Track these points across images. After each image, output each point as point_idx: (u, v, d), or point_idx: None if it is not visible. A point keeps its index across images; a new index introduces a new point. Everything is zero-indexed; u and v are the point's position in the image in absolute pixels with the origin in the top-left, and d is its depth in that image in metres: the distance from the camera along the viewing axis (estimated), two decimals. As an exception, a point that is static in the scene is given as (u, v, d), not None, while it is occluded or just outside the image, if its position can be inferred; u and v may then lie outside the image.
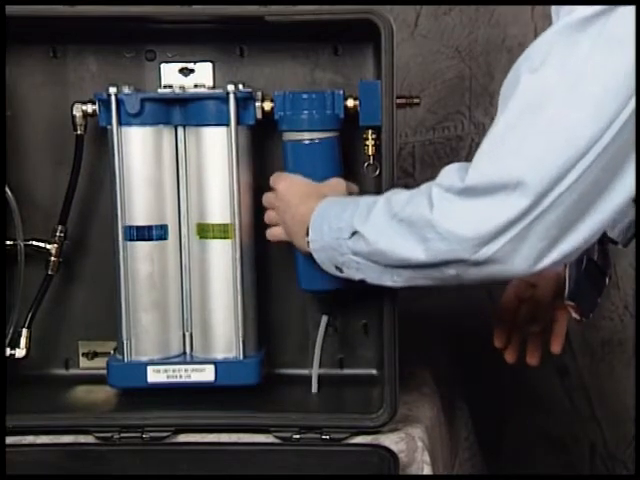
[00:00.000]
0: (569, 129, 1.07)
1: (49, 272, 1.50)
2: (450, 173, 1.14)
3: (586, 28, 1.06)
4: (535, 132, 1.08)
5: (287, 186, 1.40)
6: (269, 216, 1.42)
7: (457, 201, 1.11)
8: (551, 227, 1.09)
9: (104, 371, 1.48)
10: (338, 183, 1.41)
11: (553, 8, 1.13)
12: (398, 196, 1.21)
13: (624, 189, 1.09)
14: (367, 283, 1.26)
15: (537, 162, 1.07)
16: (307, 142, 1.42)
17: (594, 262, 1.41)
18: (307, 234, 1.30)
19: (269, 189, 1.42)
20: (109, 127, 1.42)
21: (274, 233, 1.42)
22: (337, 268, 1.28)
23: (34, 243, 1.50)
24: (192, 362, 1.47)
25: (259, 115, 1.44)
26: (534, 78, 1.08)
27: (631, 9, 1.05)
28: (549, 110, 1.07)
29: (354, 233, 1.23)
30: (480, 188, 1.10)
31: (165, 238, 1.45)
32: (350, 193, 1.41)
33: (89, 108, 1.46)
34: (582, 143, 1.06)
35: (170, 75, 1.47)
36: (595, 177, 1.07)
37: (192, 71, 1.47)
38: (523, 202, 1.07)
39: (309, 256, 1.33)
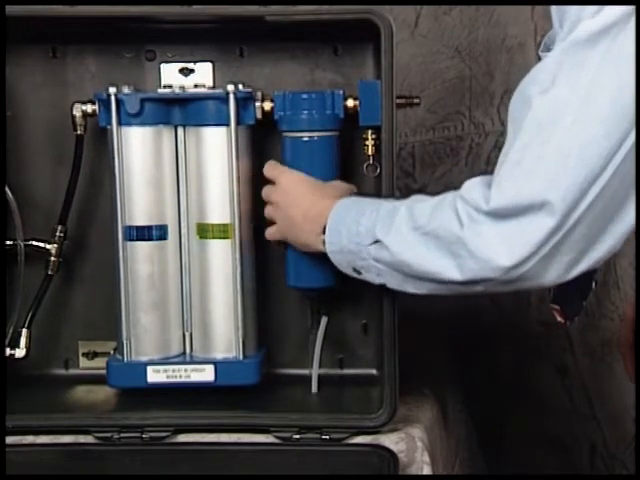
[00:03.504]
0: (583, 146, 1.08)
1: (49, 272, 1.50)
2: (473, 189, 1.15)
3: (594, 45, 1.06)
4: (550, 151, 1.09)
5: (292, 182, 1.39)
6: (267, 211, 1.42)
7: (485, 222, 1.12)
8: (578, 241, 1.11)
9: (104, 371, 1.48)
10: (341, 184, 1.41)
11: (554, 11, 1.13)
12: (421, 205, 1.21)
13: None
14: (387, 287, 1.28)
15: (556, 180, 1.08)
16: (306, 139, 1.42)
17: None
18: (323, 233, 1.30)
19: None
20: (109, 127, 1.42)
21: (271, 232, 1.42)
22: (355, 271, 1.29)
23: (34, 243, 1.50)
24: (192, 362, 1.47)
25: (259, 115, 1.44)
26: (545, 98, 1.10)
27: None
28: (562, 128, 1.08)
29: (376, 241, 1.23)
30: (505, 210, 1.11)
31: (165, 238, 1.45)
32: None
33: (89, 108, 1.46)
34: (598, 160, 1.08)
35: (170, 75, 1.47)
36: (615, 189, 1.09)
37: (192, 71, 1.47)
38: (550, 222, 1.09)
39: (310, 253, 1.33)
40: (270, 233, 1.42)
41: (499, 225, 1.11)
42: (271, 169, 1.42)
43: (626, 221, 1.11)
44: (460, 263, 1.15)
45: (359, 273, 1.29)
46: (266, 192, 1.42)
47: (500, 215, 1.11)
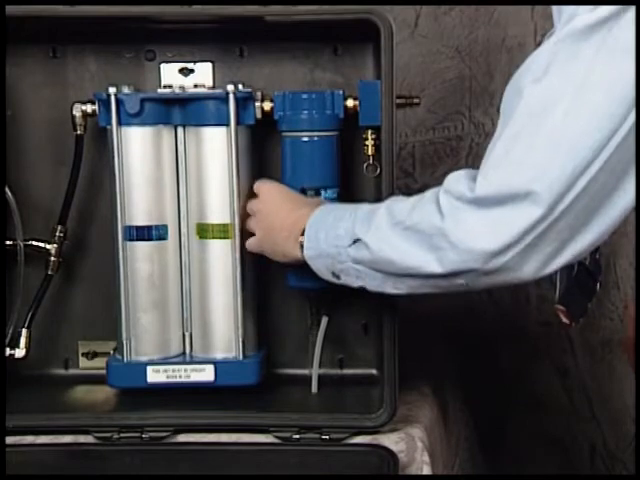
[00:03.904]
0: (574, 137, 1.06)
1: (49, 272, 1.50)
2: (458, 181, 1.13)
3: (589, 37, 1.06)
4: (540, 141, 1.07)
5: (270, 191, 1.40)
6: (249, 223, 1.41)
7: (469, 211, 1.11)
8: (561, 232, 1.09)
9: (104, 371, 1.48)
10: (319, 200, 1.41)
11: (554, 8, 1.13)
12: (400, 204, 1.21)
13: (631, 192, 1.09)
14: (367, 290, 1.26)
15: (545, 171, 1.07)
16: (306, 139, 1.42)
17: (585, 267, 1.41)
18: (300, 240, 1.30)
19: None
20: (109, 127, 1.42)
21: (251, 243, 1.42)
22: (334, 275, 1.28)
23: (34, 243, 1.50)
24: (192, 362, 1.47)
25: (259, 115, 1.44)
26: (538, 88, 1.08)
27: (633, 17, 1.05)
28: (554, 119, 1.07)
29: (356, 241, 1.23)
30: (491, 198, 1.09)
31: (165, 238, 1.45)
32: None
33: (89, 108, 1.46)
34: (588, 151, 1.06)
35: (170, 75, 1.47)
36: (603, 182, 1.08)
37: (192, 71, 1.47)
38: (535, 212, 1.07)
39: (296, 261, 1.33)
40: (249, 244, 1.42)
41: (482, 213, 1.10)
42: (256, 183, 1.42)
43: (610, 214, 1.09)
44: (440, 256, 1.13)
45: (338, 277, 1.28)
46: (249, 204, 1.42)
47: (484, 203, 1.09)
